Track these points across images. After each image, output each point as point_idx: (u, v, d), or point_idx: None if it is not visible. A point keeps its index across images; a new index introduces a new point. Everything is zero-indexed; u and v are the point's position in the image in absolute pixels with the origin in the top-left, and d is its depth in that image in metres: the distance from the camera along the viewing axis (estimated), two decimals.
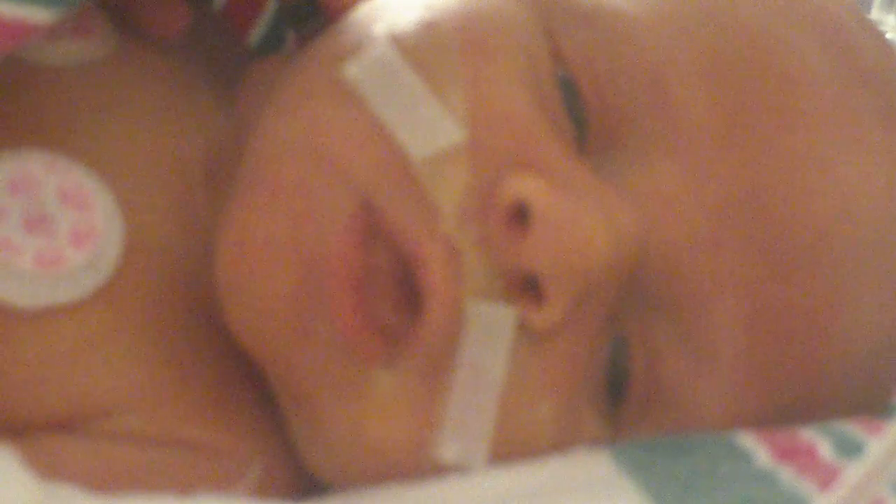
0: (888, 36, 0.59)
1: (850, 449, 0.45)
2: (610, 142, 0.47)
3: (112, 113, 0.53)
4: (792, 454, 0.45)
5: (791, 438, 0.47)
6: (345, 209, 0.44)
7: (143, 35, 0.55)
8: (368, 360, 0.44)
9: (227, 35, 0.61)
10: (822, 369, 0.48)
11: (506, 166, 0.45)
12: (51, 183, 0.48)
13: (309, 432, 0.48)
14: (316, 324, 0.44)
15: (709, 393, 0.47)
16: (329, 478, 0.49)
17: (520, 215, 0.44)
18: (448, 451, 0.44)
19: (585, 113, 0.47)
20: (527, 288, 0.44)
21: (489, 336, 0.44)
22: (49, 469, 0.43)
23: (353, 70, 0.46)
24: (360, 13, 0.51)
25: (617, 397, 0.47)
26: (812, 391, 0.49)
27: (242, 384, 0.50)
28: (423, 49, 0.47)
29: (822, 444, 0.46)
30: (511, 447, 0.45)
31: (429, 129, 0.45)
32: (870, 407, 0.51)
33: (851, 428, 0.47)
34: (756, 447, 0.46)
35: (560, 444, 0.46)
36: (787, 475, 0.44)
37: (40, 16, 0.45)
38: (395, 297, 0.44)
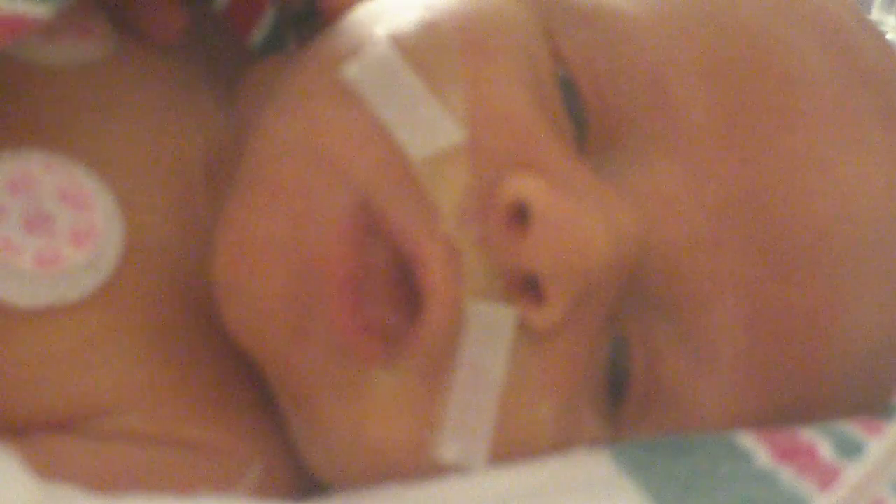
0: (888, 36, 0.59)
1: (851, 449, 0.45)
2: (610, 142, 0.47)
3: (112, 113, 0.53)
4: (792, 454, 0.45)
5: (791, 439, 0.47)
6: (343, 209, 0.44)
7: (142, 37, 0.55)
8: (366, 360, 0.44)
9: (228, 35, 0.61)
10: (822, 369, 0.48)
11: (506, 166, 0.45)
12: (51, 183, 0.48)
13: (309, 432, 0.48)
14: (314, 324, 0.44)
15: (709, 393, 0.47)
16: (329, 478, 0.49)
17: (520, 215, 0.44)
18: (448, 451, 0.44)
19: (585, 113, 0.47)
20: (527, 288, 0.44)
21: (489, 336, 0.44)
22: (49, 469, 0.43)
23: (353, 70, 0.46)
24: (360, 14, 0.51)
25: (617, 397, 0.47)
26: (812, 391, 0.49)
27: (242, 384, 0.50)
28: (423, 49, 0.47)
29: (823, 445, 0.46)
30: (511, 447, 0.45)
31: (429, 129, 0.45)
32: (870, 407, 0.51)
33: (851, 428, 0.47)
34: (756, 447, 0.46)
35: (560, 444, 0.46)
36: (787, 475, 0.44)
37: (38, 11, 0.45)
38: (393, 298, 0.44)
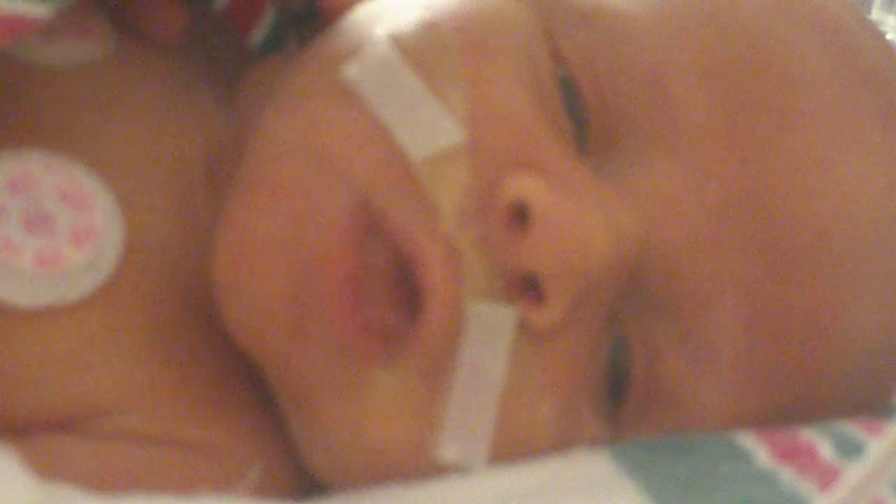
0: (888, 36, 0.59)
1: (851, 449, 0.45)
2: (610, 142, 0.47)
3: (112, 113, 0.53)
4: (792, 454, 0.45)
5: (791, 439, 0.47)
6: (343, 209, 0.44)
7: (142, 37, 0.55)
8: (366, 360, 0.44)
9: (228, 36, 0.61)
10: (822, 369, 0.48)
11: (506, 166, 0.45)
12: (51, 183, 0.48)
13: (309, 433, 0.48)
14: (313, 324, 0.44)
15: (709, 393, 0.47)
16: (329, 478, 0.49)
17: (520, 215, 0.44)
18: (448, 451, 0.44)
19: (585, 113, 0.47)
20: (527, 288, 0.44)
21: (489, 336, 0.44)
22: (49, 469, 0.43)
23: (353, 70, 0.46)
24: (360, 14, 0.51)
25: (617, 397, 0.47)
26: (812, 391, 0.49)
27: (242, 384, 0.50)
28: (423, 49, 0.47)
29: (823, 445, 0.46)
30: (511, 447, 0.45)
31: (429, 129, 0.45)
32: (870, 407, 0.51)
33: (852, 428, 0.47)
34: (756, 447, 0.46)
35: (560, 444, 0.46)
36: (787, 475, 0.44)
37: (38, 11, 0.45)
38: (392, 298, 0.44)
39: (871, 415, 0.50)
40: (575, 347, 0.46)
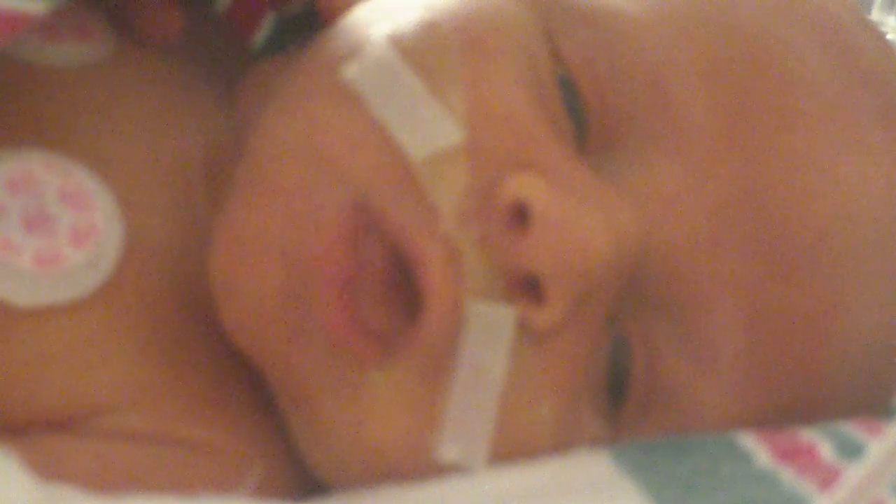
0: (888, 36, 0.59)
1: (851, 450, 0.45)
2: (610, 142, 0.47)
3: (112, 113, 0.53)
4: (792, 455, 0.45)
5: (791, 439, 0.47)
6: (341, 210, 0.44)
7: (141, 38, 0.55)
8: (362, 361, 0.44)
9: (228, 36, 0.61)
10: (823, 370, 0.48)
11: (506, 166, 0.45)
12: (51, 182, 0.48)
13: (308, 433, 0.48)
14: (309, 324, 0.44)
15: (709, 393, 0.47)
16: (329, 478, 0.48)
17: (520, 215, 0.44)
18: (448, 451, 0.44)
19: (585, 113, 0.47)
20: (527, 288, 0.44)
21: (489, 336, 0.44)
22: (49, 469, 0.43)
23: (352, 71, 0.46)
24: (359, 14, 0.51)
25: (617, 397, 0.47)
26: (812, 392, 0.49)
27: (242, 384, 0.50)
28: (423, 50, 0.47)
29: (823, 445, 0.46)
30: (511, 447, 0.45)
31: (428, 129, 0.45)
32: (870, 408, 0.51)
33: (852, 429, 0.47)
34: (756, 448, 0.46)
35: (560, 444, 0.46)
36: (787, 476, 0.44)
37: (34, 7, 0.45)
38: (390, 298, 0.44)
39: (872, 415, 0.50)
40: (575, 347, 0.46)
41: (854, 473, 0.41)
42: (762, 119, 0.47)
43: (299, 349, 0.45)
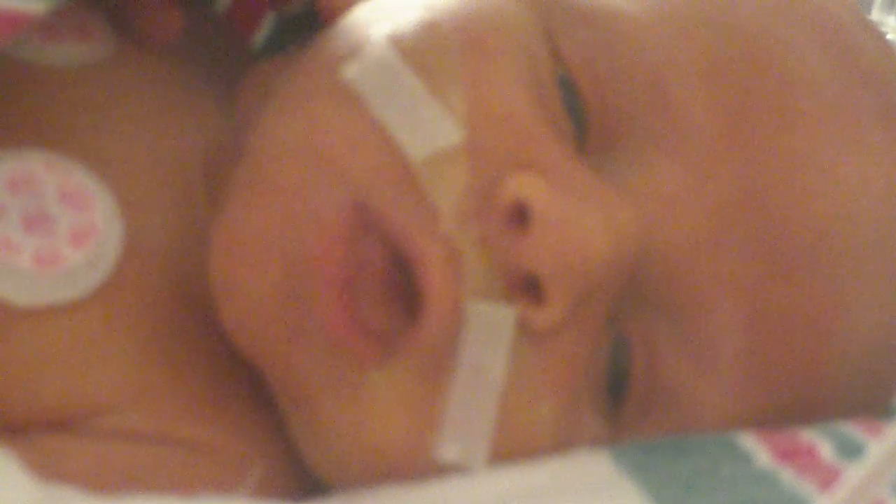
0: (888, 36, 0.59)
1: (851, 450, 0.45)
2: (610, 142, 0.47)
3: (112, 113, 0.53)
4: (792, 455, 0.45)
5: (791, 439, 0.47)
6: (339, 210, 0.44)
7: (140, 38, 0.55)
8: (361, 361, 0.44)
9: (228, 36, 0.61)
10: (823, 370, 0.48)
11: (505, 166, 0.45)
12: (51, 182, 0.48)
13: (308, 433, 0.48)
14: (307, 324, 0.44)
15: (709, 393, 0.47)
16: (329, 478, 0.48)
17: (520, 215, 0.44)
18: (448, 451, 0.44)
19: (585, 113, 0.47)
20: (527, 288, 0.44)
21: (489, 336, 0.44)
22: (48, 470, 0.43)
23: (352, 71, 0.46)
24: (359, 14, 0.51)
25: (617, 397, 0.47)
26: (812, 392, 0.49)
27: (242, 384, 0.50)
28: (423, 50, 0.47)
29: (823, 445, 0.46)
30: (511, 447, 0.45)
31: (428, 129, 0.45)
32: (870, 408, 0.51)
33: (852, 429, 0.47)
34: (756, 448, 0.46)
35: (560, 444, 0.46)
36: (787, 476, 0.44)
37: (35, 7, 0.45)
38: (388, 298, 0.44)
39: (872, 415, 0.50)
40: (575, 347, 0.46)
41: (854, 473, 0.41)
42: (762, 119, 0.47)
43: (299, 349, 0.45)
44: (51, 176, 0.48)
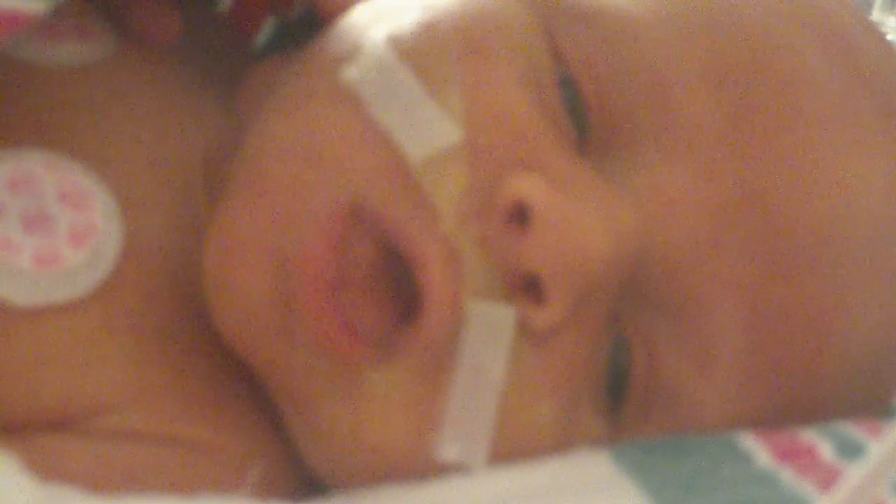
0: (888, 37, 0.59)
1: (851, 450, 0.45)
2: (610, 142, 0.47)
3: (112, 113, 0.53)
4: (792, 455, 0.45)
5: (792, 439, 0.47)
6: (331, 211, 0.44)
7: (140, 39, 0.55)
8: (352, 361, 0.44)
9: (229, 37, 0.61)
10: (823, 370, 0.48)
11: (505, 166, 0.45)
12: (50, 182, 0.48)
13: (307, 433, 0.48)
14: (297, 325, 0.44)
15: (709, 394, 0.47)
16: (329, 478, 0.48)
17: (520, 215, 0.44)
18: (448, 451, 0.44)
19: (586, 113, 0.47)
20: (527, 288, 0.44)
21: (489, 336, 0.44)
22: (48, 470, 0.43)
23: (351, 72, 0.46)
24: (359, 16, 0.51)
25: (617, 397, 0.47)
26: (812, 392, 0.49)
27: (242, 384, 0.49)
28: (422, 51, 0.47)
29: (823, 446, 0.46)
30: (511, 447, 0.45)
31: (427, 130, 0.45)
32: (870, 408, 0.51)
33: (852, 429, 0.47)
34: (757, 448, 0.46)
35: (560, 444, 0.46)
36: (787, 476, 0.44)
37: (35, 7, 0.45)
38: (379, 299, 0.44)
39: (872, 415, 0.50)
40: (575, 348, 0.45)
41: (854, 473, 0.41)
42: (763, 119, 0.47)
43: (292, 350, 0.45)
44: (50, 176, 0.48)
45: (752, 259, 0.46)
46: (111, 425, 0.48)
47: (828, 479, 0.43)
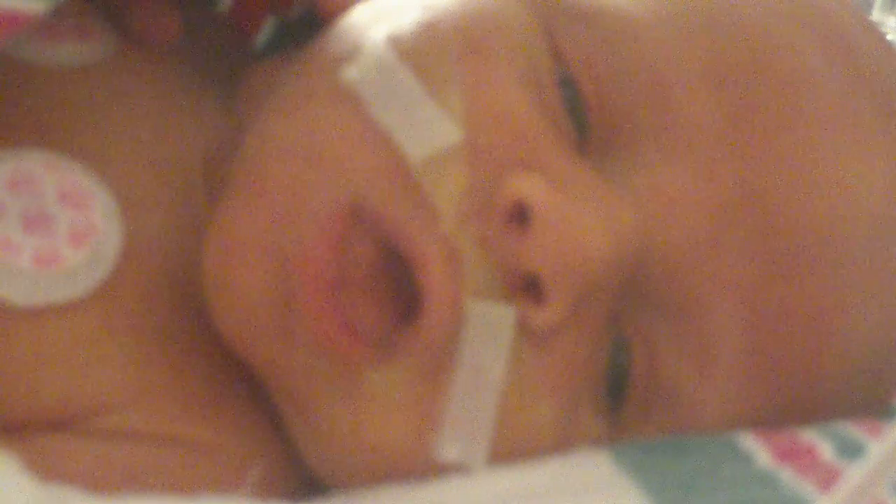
0: (888, 37, 0.59)
1: (851, 450, 0.45)
2: (610, 142, 0.47)
3: (112, 113, 0.53)
4: (792, 455, 0.45)
5: (792, 439, 0.47)
6: (331, 211, 0.44)
7: (139, 39, 0.55)
8: (351, 361, 0.44)
9: (229, 37, 0.61)
10: (823, 370, 0.48)
11: (505, 166, 0.45)
12: (50, 182, 0.48)
13: (307, 433, 0.48)
14: (296, 325, 0.44)
15: (709, 394, 0.47)
16: (329, 478, 0.48)
17: (520, 215, 0.44)
18: (448, 451, 0.44)
19: (586, 113, 0.47)
20: (527, 288, 0.44)
21: (489, 336, 0.44)
22: (49, 469, 0.43)
23: (351, 72, 0.46)
24: (358, 15, 0.51)
25: (617, 397, 0.47)
26: (812, 392, 0.49)
27: (242, 384, 0.49)
28: (422, 51, 0.47)
29: (823, 446, 0.46)
30: (511, 447, 0.45)
31: (427, 130, 0.45)
32: (870, 408, 0.51)
33: (852, 429, 0.47)
34: (757, 448, 0.46)
35: (560, 444, 0.46)
36: (787, 476, 0.44)
37: (35, 7, 0.45)
38: (378, 299, 0.44)
39: (872, 416, 0.50)
40: (575, 348, 0.45)
41: (854, 473, 0.41)
42: (763, 119, 0.47)
43: (292, 350, 0.45)
44: (50, 176, 0.48)
45: (752, 259, 0.46)
46: (111, 425, 0.48)
47: (828, 479, 0.43)
